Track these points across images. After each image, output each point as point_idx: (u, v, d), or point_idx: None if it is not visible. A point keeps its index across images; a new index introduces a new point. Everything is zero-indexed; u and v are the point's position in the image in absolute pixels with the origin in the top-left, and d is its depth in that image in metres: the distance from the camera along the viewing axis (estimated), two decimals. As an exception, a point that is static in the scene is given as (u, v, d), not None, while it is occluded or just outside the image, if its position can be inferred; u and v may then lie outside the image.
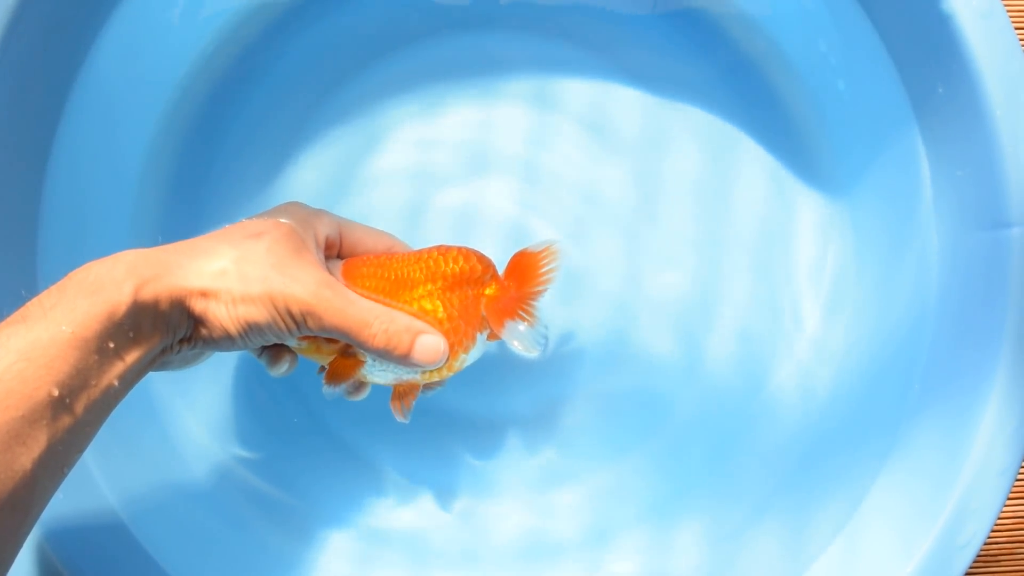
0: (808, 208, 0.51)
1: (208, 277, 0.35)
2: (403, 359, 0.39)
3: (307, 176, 0.51)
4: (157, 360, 0.35)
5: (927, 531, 0.39)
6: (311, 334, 0.38)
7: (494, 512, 0.50)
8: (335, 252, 0.42)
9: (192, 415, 0.49)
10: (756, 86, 0.51)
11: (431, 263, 0.40)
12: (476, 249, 0.42)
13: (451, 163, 0.51)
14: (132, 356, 0.33)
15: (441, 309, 0.40)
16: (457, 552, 0.49)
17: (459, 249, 0.41)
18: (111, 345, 0.32)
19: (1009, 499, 0.53)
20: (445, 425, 0.50)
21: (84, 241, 0.46)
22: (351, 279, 0.40)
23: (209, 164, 0.51)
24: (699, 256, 0.51)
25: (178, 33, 0.48)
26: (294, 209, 0.41)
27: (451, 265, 0.40)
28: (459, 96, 0.52)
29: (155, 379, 0.49)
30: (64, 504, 0.40)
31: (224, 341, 0.36)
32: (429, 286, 0.40)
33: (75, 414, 0.31)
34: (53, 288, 0.32)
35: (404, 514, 0.50)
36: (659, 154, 0.51)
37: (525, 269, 0.42)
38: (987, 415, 0.39)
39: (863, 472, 0.43)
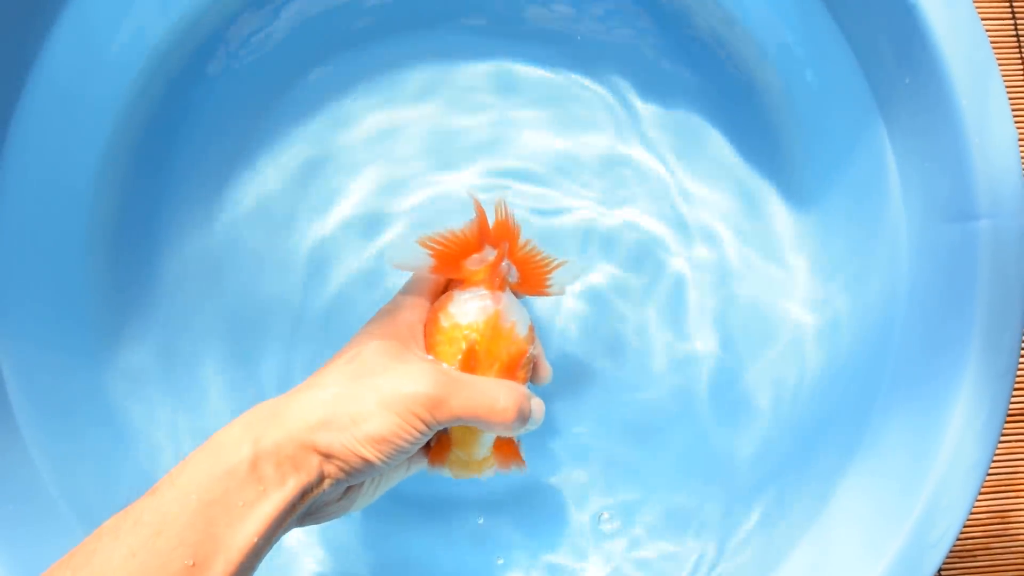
0: (777, 206, 0.50)
1: (320, 409, 0.34)
2: (522, 425, 0.37)
3: (267, 173, 0.50)
4: (299, 507, 0.33)
5: (898, 529, 0.38)
6: (441, 427, 0.36)
7: (468, 522, 0.49)
8: None
9: (171, 444, 0.48)
10: (725, 79, 0.50)
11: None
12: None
13: (415, 155, 0.50)
14: (267, 509, 0.32)
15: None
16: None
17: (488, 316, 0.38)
18: (240, 503, 0.32)
19: (983, 494, 0.53)
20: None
21: (35, 252, 0.44)
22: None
23: (164, 163, 0.49)
24: (669, 251, 0.50)
25: (131, 30, 0.47)
26: (380, 310, 0.40)
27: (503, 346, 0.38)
28: (419, 88, 0.51)
29: (132, 408, 0.48)
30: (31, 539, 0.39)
31: (364, 468, 0.34)
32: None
33: None
34: (181, 462, 0.33)
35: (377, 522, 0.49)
36: (626, 149, 0.50)
37: (506, 234, 0.40)
38: (957, 409, 0.38)
39: (831, 470, 0.42)
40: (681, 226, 0.50)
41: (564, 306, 0.50)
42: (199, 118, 0.50)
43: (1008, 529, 0.53)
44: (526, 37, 0.50)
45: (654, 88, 0.51)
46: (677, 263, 0.50)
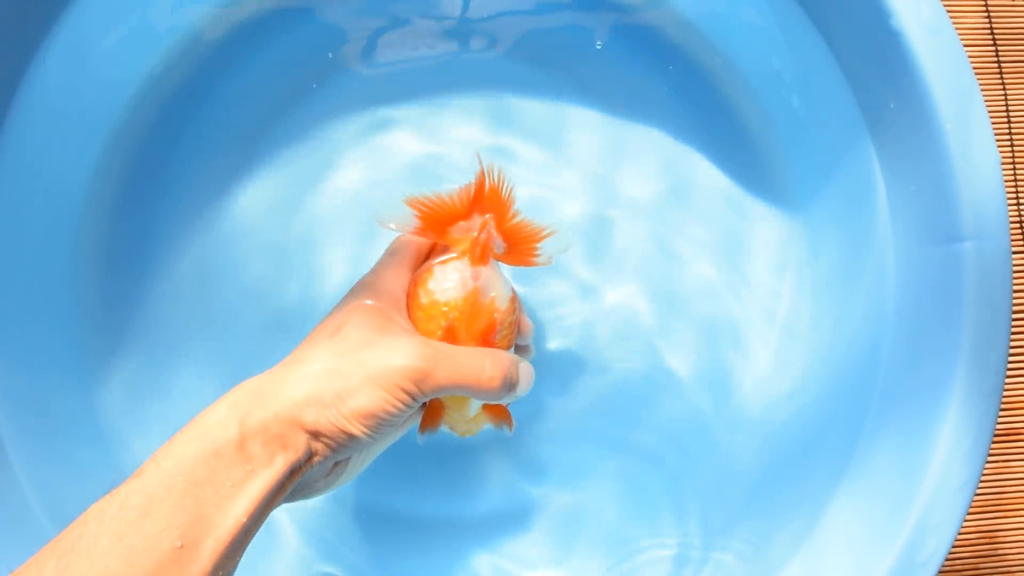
0: (766, 224, 0.50)
1: (306, 385, 0.33)
2: (513, 392, 0.38)
3: (258, 194, 0.50)
4: (288, 485, 0.33)
5: (887, 548, 0.38)
6: (427, 399, 0.36)
7: (457, 538, 0.49)
8: None
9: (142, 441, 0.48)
10: (712, 103, 0.51)
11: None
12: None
13: (404, 180, 0.50)
14: (256, 488, 0.32)
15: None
16: None
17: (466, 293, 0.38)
18: (228, 483, 0.31)
19: (972, 514, 0.53)
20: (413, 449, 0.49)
21: (23, 273, 0.44)
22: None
23: (156, 183, 0.49)
24: (657, 274, 0.50)
25: (127, 51, 0.47)
26: (361, 279, 0.39)
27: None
28: (412, 113, 0.51)
29: (124, 428, 0.48)
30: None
31: (350, 443, 0.34)
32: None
33: (204, 559, 0.30)
34: (166, 443, 0.32)
35: (366, 536, 0.48)
36: (616, 171, 0.51)
37: (497, 203, 0.39)
38: (944, 429, 0.39)
39: (822, 490, 0.42)
40: (667, 248, 0.50)
41: (553, 338, 0.50)
42: (190, 140, 0.50)
43: (997, 549, 0.53)
44: (518, 63, 0.51)
45: (639, 115, 0.51)
46: (663, 286, 0.50)
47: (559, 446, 0.49)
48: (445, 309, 0.37)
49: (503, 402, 0.39)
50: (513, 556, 0.48)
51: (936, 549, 0.38)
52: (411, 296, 0.39)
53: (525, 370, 0.39)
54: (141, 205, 0.49)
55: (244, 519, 0.31)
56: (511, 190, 0.38)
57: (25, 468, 0.42)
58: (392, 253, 0.41)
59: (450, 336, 0.38)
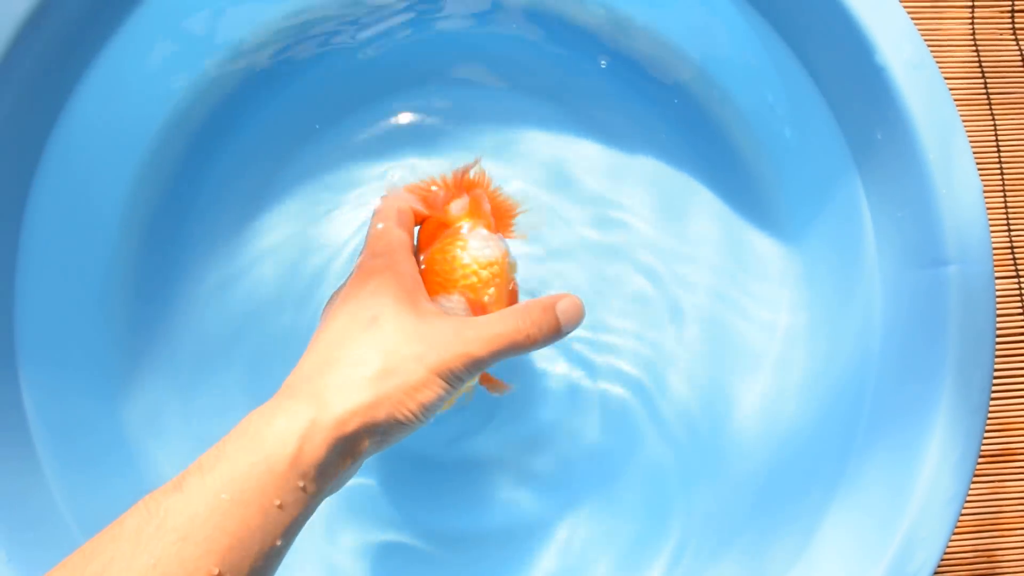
0: (761, 250, 0.52)
1: (368, 388, 0.32)
2: (558, 334, 0.38)
3: (284, 218, 0.53)
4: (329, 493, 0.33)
5: (879, 560, 0.40)
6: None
7: (462, 553, 0.50)
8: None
9: (167, 459, 0.50)
10: (709, 136, 0.53)
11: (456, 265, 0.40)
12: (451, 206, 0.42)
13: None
14: (300, 508, 0.30)
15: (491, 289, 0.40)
16: None
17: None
18: (277, 503, 0.30)
19: (969, 533, 0.54)
20: (420, 468, 0.51)
21: (64, 286, 0.47)
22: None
23: (181, 214, 0.52)
24: (655, 296, 0.52)
25: (154, 89, 0.50)
26: (372, 264, 0.38)
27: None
28: (423, 148, 0.54)
29: (150, 446, 0.50)
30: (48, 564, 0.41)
31: (406, 433, 0.34)
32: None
33: None
34: (215, 447, 0.31)
35: (379, 550, 0.50)
36: (617, 202, 0.53)
37: (481, 182, 0.43)
38: (932, 445, 0.40)
39: (816, 505, 0.44)
40: (666, 273, 0.52)
41: (551, 367, 0.52)
42: (214, 173, 0.53)
43: (995, 569, 0.54)
44: (529, 95, 0.54)
45: (639, 147, 0.54)
46: (663, 313, 0.52)
47: (558, 465, 0.51)
48: (486, 273, 0.39)
49: (561, 337, 0.39)
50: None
51: (925, 560, 0.39)
52: (442, 260, 0.40)
53: (566, 305, 0.38)
54: (167, 233, 0.52)
55: (279, 541, 0.30)
56: (486, 174, 0.42)
57: (56, 477, 0.44)
58: (387, 236, 0.39)
59: (498, 298, 0.39)
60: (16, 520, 0.41)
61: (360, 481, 0.50)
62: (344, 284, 0.39)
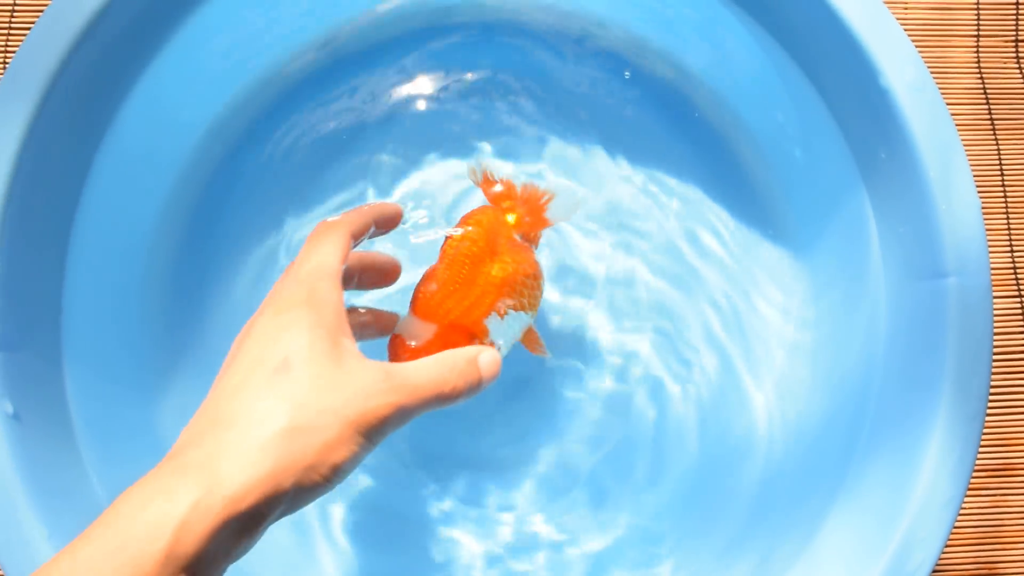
0: (772, 261, 0.55)
1: (267, 455, 0.27)
2: (477, 389, 0.35)
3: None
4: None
5: (878, 559, 0.41)
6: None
7: (466, 550, 0.52)
8: (353, 285, 0.40)
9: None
10: (723, 156, 0.56)
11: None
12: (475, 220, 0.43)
13: (436, 220, 0.56)
14: None
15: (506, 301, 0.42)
16: None
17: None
18: None
19: (972, 546, 0.56)
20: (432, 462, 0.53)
21: (102, 281, 0.50)
22: (432, 318, 0.39)
23: (217, 218, 0.55)
24: (668, 307, 0.55)
25: (197, 101, 0.53)
26: (291, 292, 0.33)
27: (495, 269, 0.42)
28: (443, 162, 0.57)
29: (167, 420, 0.52)
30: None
31: (316, 495, 0.29)
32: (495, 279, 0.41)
33: None
34: (81, 537, 0.26)
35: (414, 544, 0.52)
36: (636, 217, 0.56)
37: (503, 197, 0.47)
38: (931, 450, 0.42)
39: (819, 508, 0.46)
40: (685, 282, 0.55)
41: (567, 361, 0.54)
42: (248, 180, 0.56)
43: (996, 580, 0.56)
44: (543, 109, 0.57)
45: (657, 166, 0.56)
46: (677, 323, 0.54)
47: (569, 469, 0.53)
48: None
49: (514, 337, 0.42)
50: (524, 571, 0.52)
51: (923, 560, 0.41)
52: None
53: (485, 360, 0.36)
54: (203, 237, 0.55)
55: None
56: (505, 179, 0.47)
57: (94, 465, 0.46)
58: (321, 255, 0.35)
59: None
60: (58, 503, 0.43)
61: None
62: (255, 315, 0.34)
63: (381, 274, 0.43)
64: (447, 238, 0.42)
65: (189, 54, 0.50)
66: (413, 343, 0.39)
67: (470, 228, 0.42)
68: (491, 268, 0.41)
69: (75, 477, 0.45)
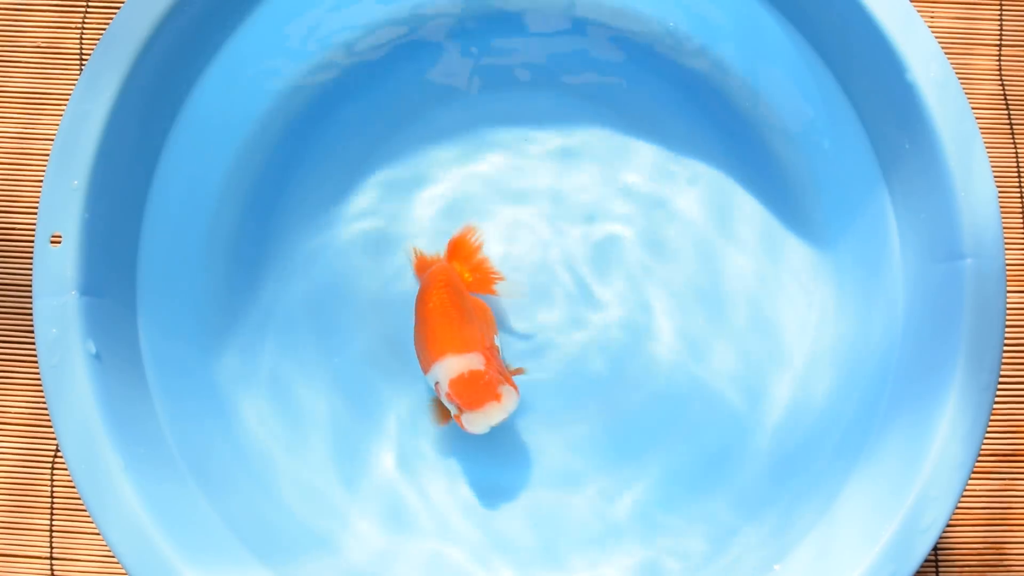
0: (799, 247, 0.58)
1: None
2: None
3: (362, 203, 0.59)
4: None
5: (893, 517, 0.44)
6: None
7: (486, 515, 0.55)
8: None
9: (250, 410, 0.56)
10: (754, 146, 0.59)
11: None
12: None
13: (485, 197, 0.59)
14: None
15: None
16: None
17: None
18: None
19: (981, 527, 0.58)
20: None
21: (171, 244, 0.54)
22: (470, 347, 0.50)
23: (278, 189, 0.59)
24: (698, 290, 0.58)
25: (265, 78, 0.57)
26: None
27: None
28: (492, 143, 0.61)
29: (225, 377, 0.56)
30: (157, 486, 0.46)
31: None
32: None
33: None
34: None
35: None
36: (665, 199, 0.59)
37: (461, 250, 0.56)
38: (945, 417, 0.45)
39: (839, 472, 0.49)
40: (710, 268, 0.58)
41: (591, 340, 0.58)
42: (309, 153, 0.60)
43: (1004, 560, 0.58)
44: (585, 96, 0.61)
45: (688, 154, 0.60)
46: (704, 305, 0.58)
47: (594, 445, 0.56)
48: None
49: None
50: (540, 536, 0.55)
51: (935, 518, 0.44)
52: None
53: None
54: (264, 206, 0.59)
55: None
56: (480, 241, 0.55)
57: (162, 406, 0.50)
58: None
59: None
60: (131, 437, 0.47)
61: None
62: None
63: None
64: (425, 293, 0.52)
65: (272, 27, 0.54)
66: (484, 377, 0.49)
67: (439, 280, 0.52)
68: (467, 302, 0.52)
69: (145, 412, 0.49)
